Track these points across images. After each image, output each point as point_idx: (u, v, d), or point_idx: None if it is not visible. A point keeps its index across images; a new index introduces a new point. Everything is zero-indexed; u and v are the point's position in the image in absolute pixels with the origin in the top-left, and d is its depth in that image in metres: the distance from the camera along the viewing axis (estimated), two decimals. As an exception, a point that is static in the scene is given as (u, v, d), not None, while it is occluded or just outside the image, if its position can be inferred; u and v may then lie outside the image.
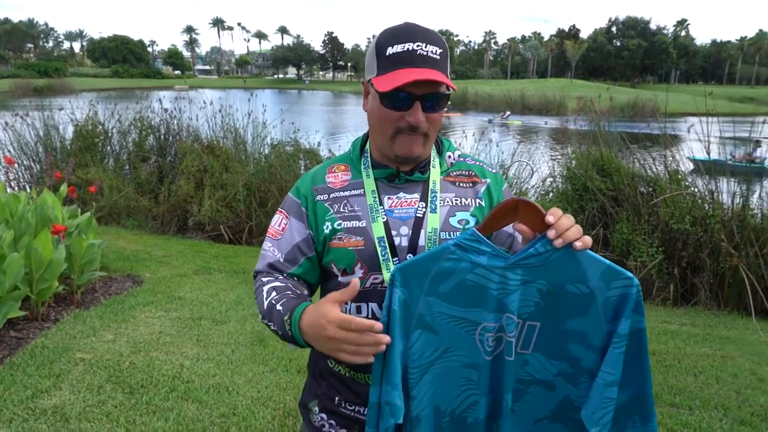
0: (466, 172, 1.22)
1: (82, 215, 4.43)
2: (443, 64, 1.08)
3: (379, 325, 0.93)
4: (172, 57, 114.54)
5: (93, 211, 4.63)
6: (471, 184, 1.20)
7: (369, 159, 1.19)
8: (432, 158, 1.20)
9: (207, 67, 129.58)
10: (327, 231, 1.15)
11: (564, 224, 0.96)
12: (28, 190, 8.23)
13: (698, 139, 6.37)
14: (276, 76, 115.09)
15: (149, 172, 9.19)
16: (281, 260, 1.18)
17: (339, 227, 1.14)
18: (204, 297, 4.79)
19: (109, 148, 9.55)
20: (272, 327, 1.07)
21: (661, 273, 5.88)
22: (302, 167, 8.54)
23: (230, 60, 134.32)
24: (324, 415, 1.22)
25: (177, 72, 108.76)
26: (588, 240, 0.96)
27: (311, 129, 9.55)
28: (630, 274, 0.97)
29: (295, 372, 3.29)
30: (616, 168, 6.51)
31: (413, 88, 1.06)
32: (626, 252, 5.97)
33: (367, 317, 1.13)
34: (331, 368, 1.21)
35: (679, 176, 6.33)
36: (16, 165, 8.80)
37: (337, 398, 1.21)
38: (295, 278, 1.19)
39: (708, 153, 6.29)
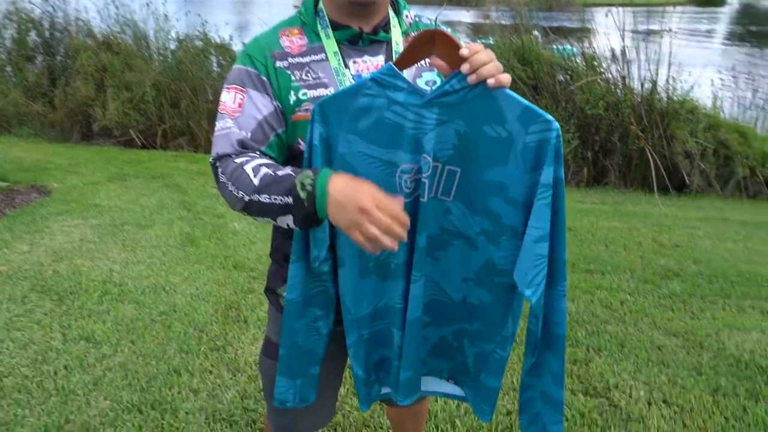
0: None
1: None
2: None
3: (407, 221, 0.88)
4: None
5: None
6: None
7: (326, 19, 1.07)
8: (390, 17, 1.11)
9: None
10: (291, 102, 1.05)
11: (479, 59, 0.89)
12: None
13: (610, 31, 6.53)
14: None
15: (38, 74, 8.22)
16: (248, 139, 1.03)
17: (304, 97, 1.04)
18: (123, 203, 4.53)
19: (-18, 47, 8.37)
20: (267, 199, 0.93)
21: (576, 158, 6.22)
22: (214, 63, 7.99)
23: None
24: None
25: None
26: (504, 78, 0.90)
27: (219, 22, 8.78)
28: (549, 117, 0.92)
29: (232, 267, 3.27)
30: (536, 56, 6.59)
31: None
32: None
33: None
34: None
35: (595, 62, 6.52)
36: None
37: None
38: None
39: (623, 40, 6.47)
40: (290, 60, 1.06)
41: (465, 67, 0.89)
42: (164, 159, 6.57)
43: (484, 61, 0.89)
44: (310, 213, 0.91)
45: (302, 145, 1.04)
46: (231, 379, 2.17)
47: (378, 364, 1.18)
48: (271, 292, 1.26)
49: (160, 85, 7.40)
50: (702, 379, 2.27)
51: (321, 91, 1.04)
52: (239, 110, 1.04)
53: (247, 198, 0.95)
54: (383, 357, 1.17)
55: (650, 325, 2.77)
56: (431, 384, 1.22)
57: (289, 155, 1.08)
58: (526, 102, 0.92)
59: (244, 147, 1.02)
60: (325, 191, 0.89)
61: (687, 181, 6.04)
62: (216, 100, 7.34)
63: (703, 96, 6.65)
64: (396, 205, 0.88)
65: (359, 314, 1.09)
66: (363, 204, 0.86)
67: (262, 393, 2.02)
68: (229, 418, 1.94)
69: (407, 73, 1.07)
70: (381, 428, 1.91)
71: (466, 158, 0.97)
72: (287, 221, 0.95)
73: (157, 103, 7.37)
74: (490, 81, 0.89)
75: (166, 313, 2.67)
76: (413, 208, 1.00)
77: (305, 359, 1.14)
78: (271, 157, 1.04)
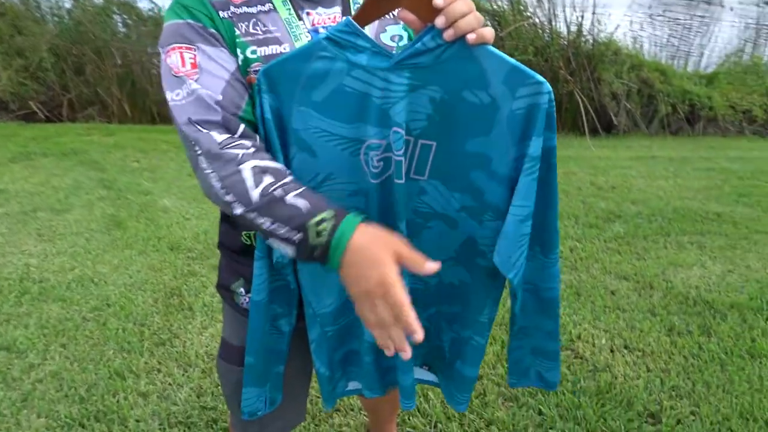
0: None
1: None
2: None
3: (420, 335, 0.71)
4: None
5: None
6: None
7: None
8: None
9: None
10: (239, 62, 0.85)
11: (457, 9, 0.74)
12: None
13: None
14: None
15: None
16: (223, 101, 0.81)
17: (253, 56, 0.84)
18: (32, 186, 4.08)
19: None
20: (266, 224, 0.76)
21: (508, 105, 6.23)
22: (119, 23, 7.29)
23: None
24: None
25: None
26: (487, 33, 0.76)
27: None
28: (540, 78, 0.79)
29: (167, 249, 3.01)
30: (463, 2, 6.44)
31: None
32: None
33: None
34: (251, 244, 1.00)
35: (521, 7, 6.47)
36: None
37: None
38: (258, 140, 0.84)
39: None
40: (233, 9, 0.85)
41: (440, 21, 0.74)
42: (75, 132, 5.98)
43: (462, 11, 0.74)
44: (316, 261, 0.76)
45: None
46: (183, 375, 1.99)
47: (344, 360, 1.07)
48: (224, 288, 1.09)
49: (58, 50, 6.67)
50: (657, 320, 2.33)
51: (274, 49, 0.85)
52: (195, 72, 0.81)
53: (238, 211, 0.78)
54: (351, 351, 1.06)
55: (601, 270, 2.82)
56: None
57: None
58: (513, 61, 0.78)
59: (224, 111, 0.81)
60: (345, 247, 0.73)
61: (615, 121, 6.22)
62: (126, 64, 6.86)
63: (622, 37, 6.80)
64: (406, 309, 0.71)
65: (321, 310, 0.97)
66: (386, 277, 0.71)
67: (221, 394, 1.87)
68: (186, 420, 1.77)
69: (369, 29, 0.91)
70: (352, 410, 1.82)
71: (441, 130, 0.83)
72: (283, 251, 0.79)
73: (57, 70, 6.66)
74: (471, 36, 0.75)
75: (99, 309, 2.41)
76: (385, 191, 0.87)
77: (270, 359, 1.02)
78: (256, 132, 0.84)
